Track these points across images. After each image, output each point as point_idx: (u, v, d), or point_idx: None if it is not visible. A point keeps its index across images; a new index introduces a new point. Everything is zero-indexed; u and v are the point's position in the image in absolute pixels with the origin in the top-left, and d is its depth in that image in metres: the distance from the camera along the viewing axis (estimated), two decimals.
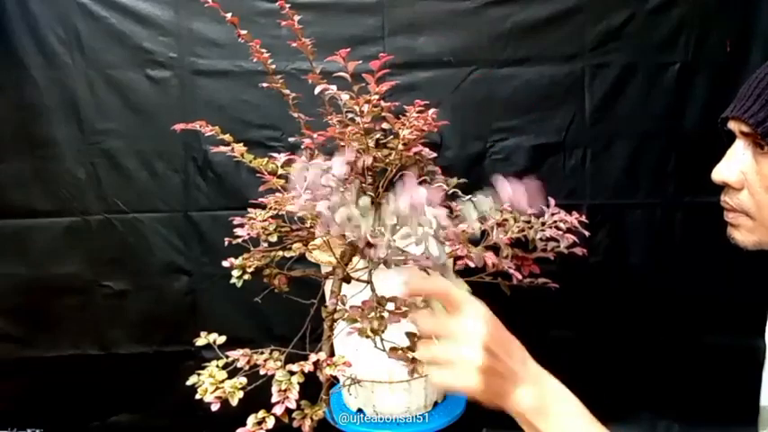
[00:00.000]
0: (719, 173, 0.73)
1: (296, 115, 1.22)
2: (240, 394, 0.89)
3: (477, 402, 0.65)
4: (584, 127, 1.68)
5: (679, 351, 1.72)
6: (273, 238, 1.11)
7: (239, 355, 0.94)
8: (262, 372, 0.92)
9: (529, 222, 1.05)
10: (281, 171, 1.09)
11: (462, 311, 0.66)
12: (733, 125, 0.72)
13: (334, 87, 1.07)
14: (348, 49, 1.03)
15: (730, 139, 0.74)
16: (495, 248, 1.01)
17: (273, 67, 1.19)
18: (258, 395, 0.92)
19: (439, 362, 0.66)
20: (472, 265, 0.97)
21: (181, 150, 1.70)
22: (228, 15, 1.14)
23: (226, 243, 1.10)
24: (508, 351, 0.67)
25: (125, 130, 1.69)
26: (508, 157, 1.69)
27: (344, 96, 1.04)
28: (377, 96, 1.04)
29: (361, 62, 1.04)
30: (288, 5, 1.13)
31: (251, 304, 1.26)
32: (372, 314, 0.87)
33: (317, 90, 1.08)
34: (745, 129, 0.69)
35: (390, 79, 1.07)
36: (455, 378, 0.65)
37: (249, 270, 1.09)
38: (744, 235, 0.74)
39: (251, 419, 0.86)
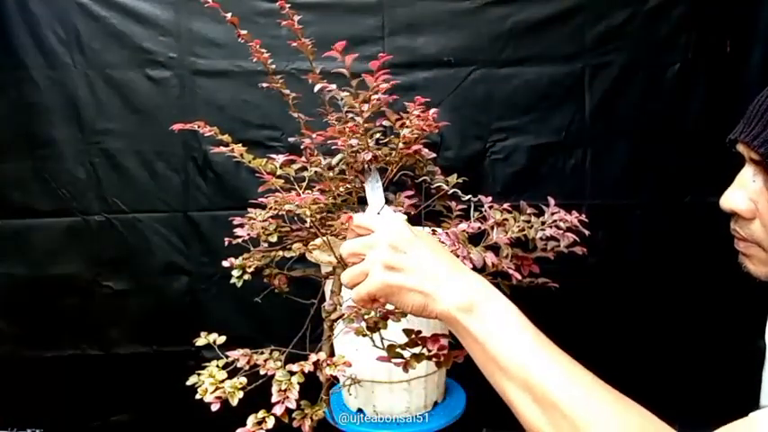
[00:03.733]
0: (728, 201, 0.66)
1: (296, 115, 1.22)
2: (240, 394, 0.89)
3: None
4: (584, 127, 1.68)
5: (679, 351, 1.72)
6: (273, 238, 1.11)
7: (239, 355, 0.94)
8: (262, 372, 0.92)
9: (529, 222, 1.06)
10: (280, 171, 1.09)
11: (373, 227, 0.69)
12: (742, 149, 0.65)
13: (333, 86, 1.07)
14: (344, 42, 1.02)
15: (741, 159, 0.67)
16: (495, 248, 1.01)
17: (273, 67, 1.19)
18: (258, 395, 0.93)
19: (354, 275, 0.67)
20: (470, 266, 0.97)
21: (181, 150, 1.70)
22: (228, 15, 1.14)
23: (226, 243, 1.10)
24: (423, 248, 0.66)
25: (125, 130, 1.69)
26: (508, 156, 1.68)
27: (343, 94, 1.04)
28: (377, 97, 1.04)
29: (361, 62, 1.04)
30: (288, 5, 1.13)
31: (251, 304, 1.26)
32: (371, 313, 0.87)
33: (316, 88, 1.08)
34: (755, 156, 0.63)
35: (390, 79, 1.07)
36: (364, 280, 0.66)
37: (249, 270, 1.09)
38: (756, 266, 0.68)
39: (251, 419, 0.86)
